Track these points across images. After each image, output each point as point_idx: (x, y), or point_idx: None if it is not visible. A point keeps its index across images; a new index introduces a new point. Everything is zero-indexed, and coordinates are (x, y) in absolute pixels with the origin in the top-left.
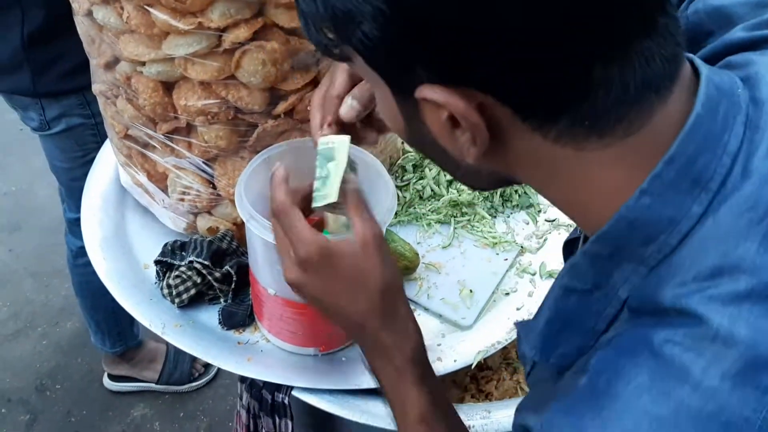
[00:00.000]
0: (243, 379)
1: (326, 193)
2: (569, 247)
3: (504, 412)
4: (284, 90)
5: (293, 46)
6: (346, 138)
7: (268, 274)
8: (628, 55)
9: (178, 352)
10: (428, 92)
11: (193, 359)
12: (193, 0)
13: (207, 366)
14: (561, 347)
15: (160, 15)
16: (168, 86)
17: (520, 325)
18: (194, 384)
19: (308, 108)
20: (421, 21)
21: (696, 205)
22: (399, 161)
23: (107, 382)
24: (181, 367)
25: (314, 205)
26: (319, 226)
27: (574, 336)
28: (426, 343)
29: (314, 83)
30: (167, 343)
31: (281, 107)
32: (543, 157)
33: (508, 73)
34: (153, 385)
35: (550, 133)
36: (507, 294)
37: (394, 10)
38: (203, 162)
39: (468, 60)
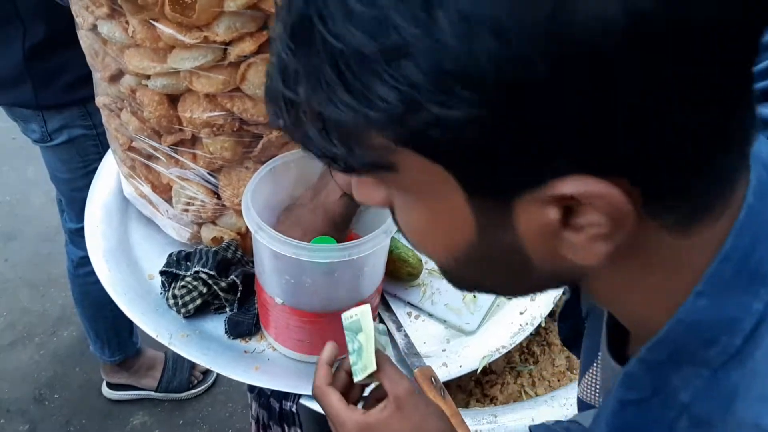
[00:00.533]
0: (251, 389)
1: (365, 365)
2: (568, 320)
3: (510, 416)
4: None
5: None
6: (367, 307)
7: (275, 283)
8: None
9: (177, 360)
10: (574, 186)
11: (192, 366)
12: (199, 14)
13: (206, 373)
14: None
15: (165, 29)
16: (173, 99)
17: None
18: (193, 391)
19: None
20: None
21: (756, 302)
22: None
23: (106, 390)
24: (179, 374)
25: (356, 379)
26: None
27: None
28: (430, 348)
29: None
30: (166, 351)
31: None
32: (645, 246)
33: (656, 149)
34: (152, 392)
35: (670, 218)
36: (510, 299)
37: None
38: (208, 173)
39: (624, 138)
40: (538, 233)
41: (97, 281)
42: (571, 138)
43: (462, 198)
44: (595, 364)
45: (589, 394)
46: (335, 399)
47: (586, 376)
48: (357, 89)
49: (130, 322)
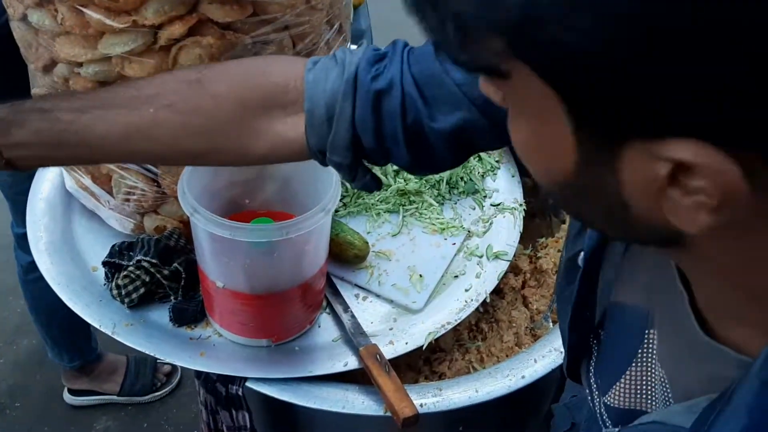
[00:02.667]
0: (198, 375)
1: None
2: (572, 264)
3: (454, 389)
4: None
5: (229, 40)
6: None
7: (215, 267)
8: None
9: (139, 363)
10: (685, 152)
11: (155, 369)
12: None
13: (169, 375)
14: None
15: (94, 15)
16: (105, 85)
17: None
18: (157, 394)
19: None
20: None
21: None
22: None
23: (68, 397)
24: (142, 377)
25: None
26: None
27: None
28: (377, 328)
29: None
30: (127, 354)
31: None
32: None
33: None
34: (115, 397)
35: None
36: (456, 277)
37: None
38: None
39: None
40: (641, 185)
41: (48, 286)
42: (705, 98)
43: (568, 129)
44: (634, 365)
45: (634, 399)
46: None
47: (622, 383)
48: None
49: (87, 326)
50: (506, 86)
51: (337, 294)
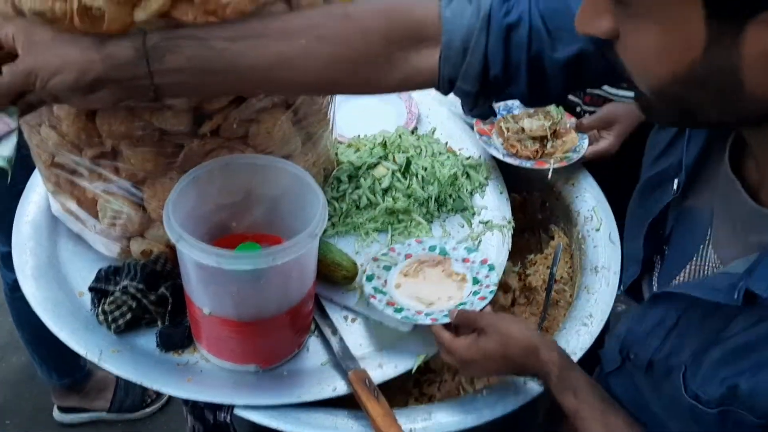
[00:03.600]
0: (186, 401)
1: None
2: (650, 184)
3: (444, 413)
4: (209, 110)
5: None
6: None
7: (201, 294)
8: None
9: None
10: None
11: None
12: (108, 26)
13: (159, 392)
14: None
15: None
16: (91, 111)
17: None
18: (147, 410)
19: (234, 126)
20: None
21: None
22: (334, 172)
23: (57, 414)
24: (132, 394)
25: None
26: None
27: None
28: (367, 350)
29: (238, 101)
30: None
31: (207, 127)
32: None
33: None
34: (104, 414)
35: None
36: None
37: None
38: (132, 185)
39: None
40: (760, 57)
41: None
42: None
43: (701, 16)
44: (694, 260)
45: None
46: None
47: (681, 277)
48: None
49: None
50: (637, 4)
51: (325, 316)
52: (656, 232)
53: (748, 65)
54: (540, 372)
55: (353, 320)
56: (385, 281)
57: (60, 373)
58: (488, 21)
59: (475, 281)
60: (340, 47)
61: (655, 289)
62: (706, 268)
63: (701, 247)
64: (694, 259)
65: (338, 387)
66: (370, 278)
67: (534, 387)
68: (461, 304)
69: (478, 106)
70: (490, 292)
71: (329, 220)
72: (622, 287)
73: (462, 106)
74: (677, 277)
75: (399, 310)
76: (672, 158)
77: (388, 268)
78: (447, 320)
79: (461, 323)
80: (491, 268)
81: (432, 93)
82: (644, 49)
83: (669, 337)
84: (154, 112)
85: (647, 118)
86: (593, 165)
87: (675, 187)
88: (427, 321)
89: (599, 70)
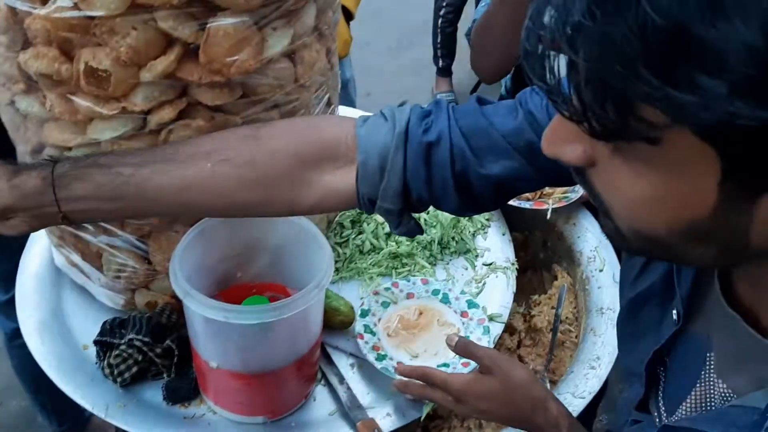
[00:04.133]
0: None
1: None
2: (635, 303)
3: None
4: None
5: (219, 121)
6: None
7: (208, 347)
8: None
9: None
10: None
11: None
12: (115, 87)
13: None
14: None
15: (83, 102)
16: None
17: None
18: None
19: None
20: None
21: None
22: (336, 218)
23: None
24: None
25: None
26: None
27: None
28: (374, 398)
29: None
30: None
31: None
32: None
33: None
34: None
35: None
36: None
37: None
38: (136, 239)
39: None
40: None
41: None
42: None
43: (714, 180)
44: (698, 386)
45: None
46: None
47: (688, 403)
48: (662, 68)
49: None
50: (639, 151)
51: (331, 364)
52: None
53: (758, 230)
54: (547, 427)
55: (360, 367)
56: (379, 319)
57: (60, 419)
58: (405, 139)
59: None
60: (246, 169)
61: (662, 409)
62: (713, 395)
63: (703, 372)
64: (698, 385)
65: None
66: (364, 314)
67: None
68: (444, 365)
69: (403, 224)
70: None
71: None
72: (631, 407)
73: (388, 223)
74: (684, 403)
75: (381, 358)
76: (653, 275)
77: (386, 305)
78: None
79: (462, 353)
80: (486, 331)
81: None
82: (632, 194)
83: None
84: None
85: (620, 247)
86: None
87: (675, 317)
88: (404, 378)
89: (534, 181)
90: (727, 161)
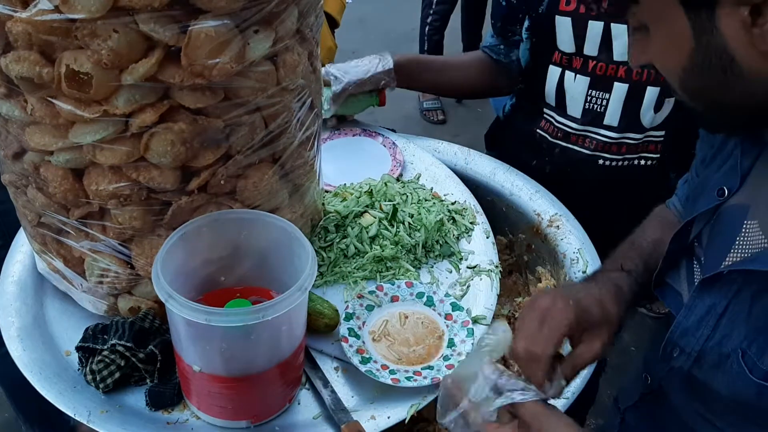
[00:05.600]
0: None
1: None
2: (681, 241)
3: None
4: (196, 167)
5: (201, 125)
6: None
7: (191, 351)
8: None
9: None
10: None
11: None
12: (96, 90)
13: None
14: None
15: (64, 106)
16: (78, 172)
17: None
18: None
19: (222, 182)
20: None
21: None
22: (321, 222)
23: None
24: None
25: None
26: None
27: None
28: (359, 401)
29: (225, 157)
30: None
31: (194, 183)
32: None
33: None
34: None
35: None
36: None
37: None
38: (119, 244)
39: None
40: (737, 31)
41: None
42: None
43: (683, 15)
44: (732, 251)
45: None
46: None
47: (733, 252)
48: None
49: None
50: (640, 13)
51: (316, 368)
52: (681, 235)
53: (732, 42)
54: None
55: (344, 371)
56: (363, 323)
57: (44, 429)
58: None
59: (450, 343)
60: None
61: (696, 272)
62: (753, 245)
63: (738, 238)
64: (738, 239)
65: None
66: (348, 317)
67: None
68: (428, 367)
69: None
70: (460, 362)
71: (318, 270)
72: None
73: None
74: (726, 260)
75: (366, 361)
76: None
77: (370, 308)
78: (410, 384)
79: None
80: (470, 333)
81: (416, 141)
82: (659, 54)
83: (719, 325)
84: (141, 171)
85: (697, 125)
86: (576, 207)
87: (726, 193)
88: (388, 380)
89: None
90: None
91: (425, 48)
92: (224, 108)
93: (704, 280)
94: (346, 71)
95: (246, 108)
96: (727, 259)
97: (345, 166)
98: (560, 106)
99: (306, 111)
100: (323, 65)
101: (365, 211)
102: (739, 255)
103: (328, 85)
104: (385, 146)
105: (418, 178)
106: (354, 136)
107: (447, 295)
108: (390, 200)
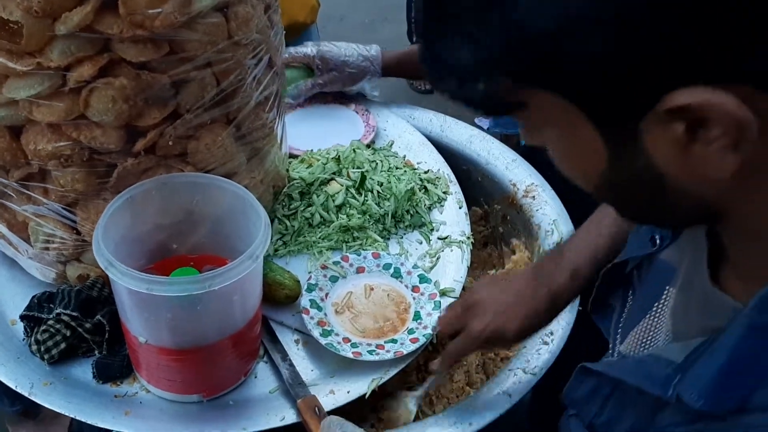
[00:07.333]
0: None
1: None
2: (610, 277)
3: None
4: (141, 126)
5: (145, 80)
6: None
7: (136, 321)
8: None
9: None
10: (681, 98)
11: None
12: (28, 40)
13: None
14: (737, 391)
15: None
16: (15, 131)
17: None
18: None
19: (170, 143)
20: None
21: None
22: (284, 189)
23: None
24: None
25: None
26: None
27: (752, 373)
28: (318, 375)
29: (173, 116)
30: None
31: (140, 144)
32: None
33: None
34: None
35: None
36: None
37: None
38: (63, 208)
39: (749, 45)
40: (668, 149)
41: None
42: (678, 54)
43: (592, 129)
44: (648, 317)
45: (640, 347)
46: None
47: (637, 330)
48: (472, 33)
49: None
50: (530, 115)
51: (275, 341)
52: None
53: (660, 159)
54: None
55: (305, 344)
56: (327, 295)
57: (11, 398)
58: None
59: (416, 316)
60: None
61: (620, 329)
62: (657, 332)
63: (656, 305)
64: (648, 317)
65: (287, 416)
66: (310, 288)
67: (493, 411)
68: (392, 341)
69: None
70: (425, 335)
71: (281, 239)
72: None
73: None
74: (633, 332)
75: (327, 334)
76: None
77: (334, 280)
78: (372, 358)
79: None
80: (437, 306)
81: (390, 106)
82: (558, 156)
83: (607, 405)
84: (82, 130)
85: None
86: (552, 179)
87: (657, 242)
88: (349, 354)
89: None
90: (584, 107)
91: (412, 14)
92: (170, 63)
93: (583, 368)
94: (336, 65)
95: (194, 63)
96: (632, 334)
97: (315, 132)
98: None
99: (263, 69)
100: (307, 25)
101: (332, 179)
102: (644, 332)
103: (310, 69)
104: (357, 113)
105: (391, 146)
106: (326, 103)
107: (415, 266)
108: (359, 167)
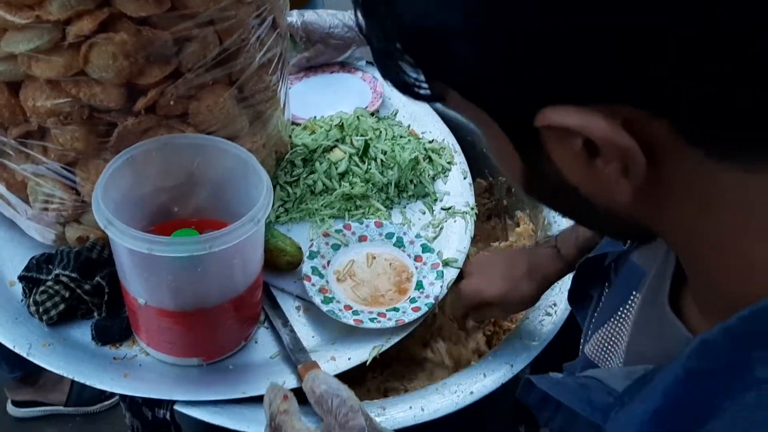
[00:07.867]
0: (123, 398)
1: None
2: (588, 269)
3: (398, 408)
4: (142, 84)
5: (146, 36)
6: None
7: (136, 283)
8: None
9: None
10: (553, 117)
11: None
12: None
13: None
14: None
15: None
16: (14, 87)
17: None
18: (106, 403)
19: (171, 103)
20: (548, 23)
21: None
22: (287, 156)
23: (12, 408)
24: (90, 386)
25: None
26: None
27: (688, 420)
28: (319, 342)
29: (175, 75)
30: None
31: (141, 103)
32: (699, 183)
33: (680, 76)
34: (61, 408)
35: (715, 148)
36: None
37: (499, 17)
38: (62, 167)
39: (616, 65)
40: (571, 164)
41: None
42: (552, 63)
43: (497, 125)
44: (611, 321)
45: (599, 354)
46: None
47: (600, 333)
48: (381, 18)
49: None
50: (453, 106)
51: (276, 307)
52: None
53: (568, 173)
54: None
55: (306, 310)
56: (328, 262)
57: (11, 365)
58: None
59: (419, 286)
60: None
61: (590, 328)
62: (617, 344)
63: (620, 310)
64: (611, 321)
65: (287, 381)
66: (312, 255)
67: (494, 380)
68: (393, 309)
69: None
70: (427, 304)
71: (282, 205)
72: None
73: None
74: (596, 334)
75: (328, 301)
76: None
77: (336, 248)
78: (373, 325)
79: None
80: (440, 275)
81: None
82: (491, 149)
83: (558, 414)
84: (81, 87)
85: None
86: None
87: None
88: (351, 321)
89: None
90: (478, 102)
91: None
92: (171, 19)
93: (527, 380)
94: (321, 37)
95: (196, 20)
96: (599, 332)
97: (320, 99)
98: None
99: (267, 30)
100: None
101: (335, 146)
102: (608, 335)
103: (293, 39)
104: (365, 80)
105: (395, 114)
106: (332, 72)
107: (418, 236)
108: (362, 135)
